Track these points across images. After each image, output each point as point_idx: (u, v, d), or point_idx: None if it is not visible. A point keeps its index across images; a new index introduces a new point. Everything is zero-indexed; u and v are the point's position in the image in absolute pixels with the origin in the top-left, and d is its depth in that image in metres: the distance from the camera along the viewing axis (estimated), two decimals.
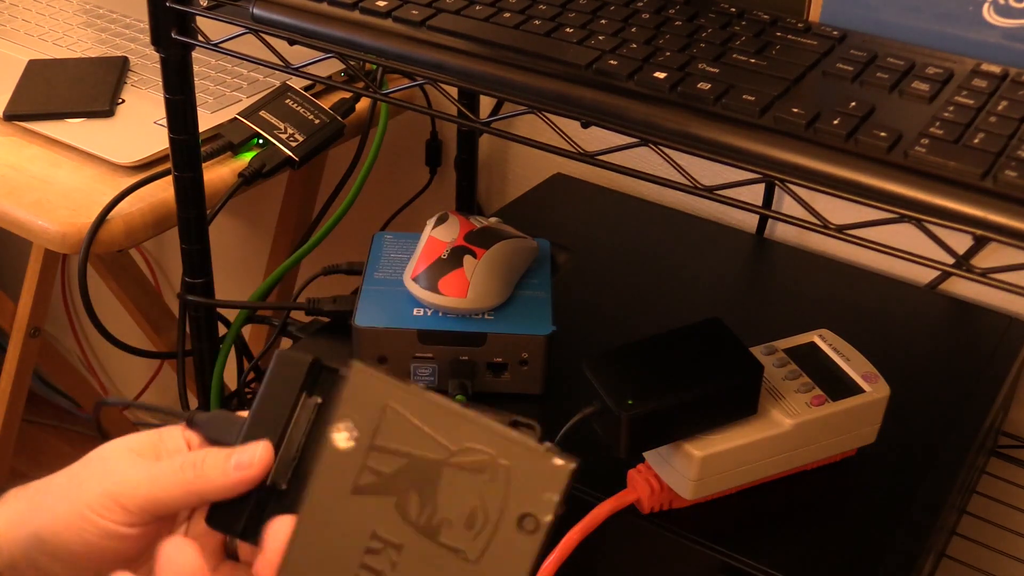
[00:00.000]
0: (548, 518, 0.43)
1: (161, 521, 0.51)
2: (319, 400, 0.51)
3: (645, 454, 0.67)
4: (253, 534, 0.49)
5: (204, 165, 0.82)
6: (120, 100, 0.96)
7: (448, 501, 0.44)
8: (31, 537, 0.50)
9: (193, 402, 0.93)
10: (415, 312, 0.75)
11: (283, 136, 0.90)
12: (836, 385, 0.68)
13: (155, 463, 0.51)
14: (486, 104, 1.07)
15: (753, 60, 0.59)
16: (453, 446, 0.45)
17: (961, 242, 0.52)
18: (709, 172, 0.57)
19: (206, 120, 0.90)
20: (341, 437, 0.45)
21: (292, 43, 0.68)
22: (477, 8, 0.65)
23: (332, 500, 0.45)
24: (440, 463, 0.45)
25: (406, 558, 0.44)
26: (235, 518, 0.50)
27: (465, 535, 0.44)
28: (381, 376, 0.46)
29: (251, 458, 0.50)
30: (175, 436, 0.52)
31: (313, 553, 0.45)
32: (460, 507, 0.44)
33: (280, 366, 0.51)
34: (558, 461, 0.43)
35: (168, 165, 0.82)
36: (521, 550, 0.43)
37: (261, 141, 0.90)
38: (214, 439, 0.52)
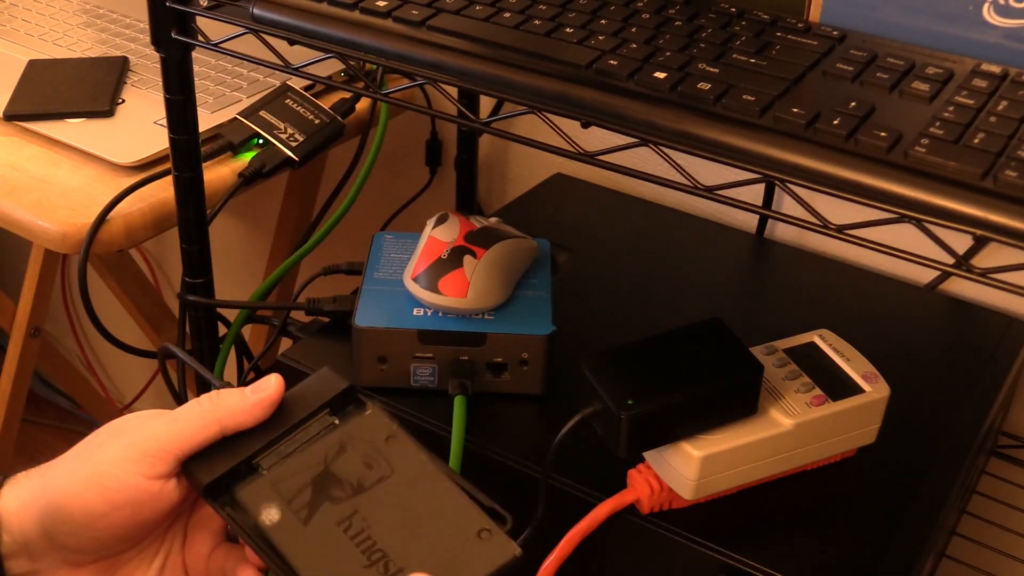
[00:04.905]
0: None
1: (179, 479, 0.52)
2: (335, 421, 0.55)
3: (645, 454, 0.67)
4: (216, 496, 0.52)
5: (204, 165, 0.82)
6: (120, 100, 0.96)
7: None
8: (46, 510, 0.51)
9: None
10: (415, 312, 0.75)
11: (283, 136, 0.90)
12: (836, 385, 0.68)
13: (171, 413, 0.53)
14: (486, 104, 1.07)
15: (753, 60, 0.59)
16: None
17: (961, 242, 0.52)
18: (709, 172, 0.57)
19: (206, 120, 0.90)
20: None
21: (292, 43, 0.68)
22: (477, 8, 0.65)
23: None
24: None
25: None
26: (206, 474, 0.52)
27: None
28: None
29: (267, 384, 0.53)
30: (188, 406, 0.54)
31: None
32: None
33: (318, 378, 0.55)
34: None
35: (168, 165, 0.82)
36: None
37: (261, 141, 0.90)
38: None
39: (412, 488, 0.52)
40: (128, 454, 0.51)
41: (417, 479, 0.52)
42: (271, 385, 0.53)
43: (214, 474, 0.52)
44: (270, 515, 0.51)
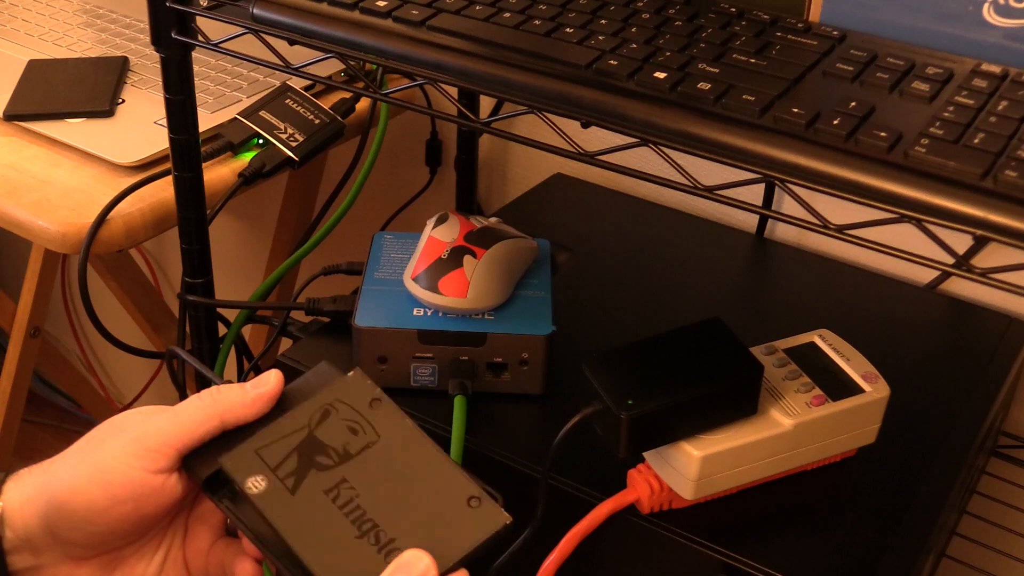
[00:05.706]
0: None
1: (180, 474, 0.53)
2: None
3: (645, 454, 0.67)
4: (215, 490, 0.52)
5: (204, 165, 0.82)
6: (120, 100, 0.96)
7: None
8: (49, 505, 0.51)
9: None
10: (415, 312, 0.75)
11: (283, 136, 0.90)
12: (836, 385, 0.68)
13: (172, 408, 0.54)
14: (486, 104, 1.07)
15: (753, 60, 0.59)
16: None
17: (961, 242, 0.52)
18: (709, 172, 0.57)
19: (206, 120, 0.90)
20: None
21: (292, 43, 0.68)
22: (477, 8, 0.65)
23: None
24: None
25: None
26: (205, 468, 0.53)
27: None
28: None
29: (266, 379, 0.54)
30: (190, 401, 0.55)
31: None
32: None
33: (316, 373, 0.56)
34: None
35: (168, 165, 0.82)
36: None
37: (261, 141, 0.90)
38: None
39: (399, 456, 0.52)
40: (130, 449, 0.51)
41: (404, 447, 0.52)
42: (270, 380, 0.54)
43: (213, 468, 0.52)
44: (256, 483, 0.50)
